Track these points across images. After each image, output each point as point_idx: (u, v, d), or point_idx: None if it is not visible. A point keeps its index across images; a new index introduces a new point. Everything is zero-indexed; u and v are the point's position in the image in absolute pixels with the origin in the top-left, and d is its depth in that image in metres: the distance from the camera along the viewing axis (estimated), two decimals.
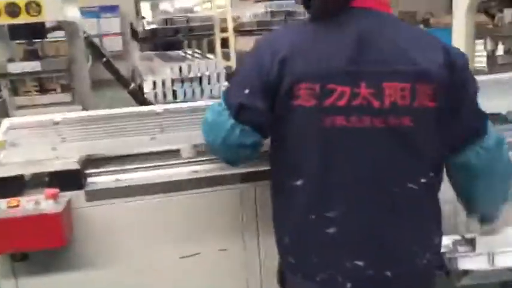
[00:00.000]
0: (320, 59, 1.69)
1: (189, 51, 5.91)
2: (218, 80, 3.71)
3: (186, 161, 2.44)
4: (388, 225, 1.71)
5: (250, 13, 4.19)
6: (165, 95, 3.65)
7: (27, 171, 2.22)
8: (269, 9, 4.02)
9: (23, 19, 2.24)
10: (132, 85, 3.15)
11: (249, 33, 4.42)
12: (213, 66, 3.70)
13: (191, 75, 3.64)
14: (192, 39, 4.42)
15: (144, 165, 2.40)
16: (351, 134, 1.67)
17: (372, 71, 1.64)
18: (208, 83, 3.68)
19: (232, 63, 4.10)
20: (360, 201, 1.70)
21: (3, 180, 2.18)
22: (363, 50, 1.66)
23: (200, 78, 3.67)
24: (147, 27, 3.73)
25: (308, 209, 1.75)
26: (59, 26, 2.76)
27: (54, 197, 2.14)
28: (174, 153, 2.47)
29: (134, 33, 3.81)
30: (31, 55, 2.54)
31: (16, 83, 2.54)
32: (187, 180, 2.33)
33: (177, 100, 3.64)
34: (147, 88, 3.47)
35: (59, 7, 2.27)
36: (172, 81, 3.64)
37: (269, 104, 1.75)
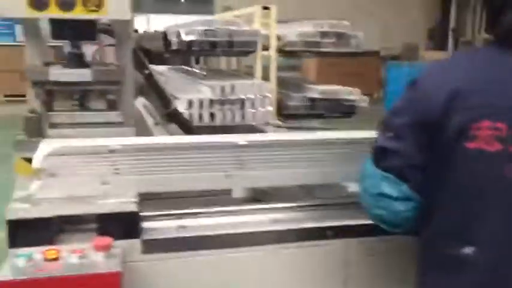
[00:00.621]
0: (509, 92, 1.29)
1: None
2: (263, 105, 3.24)
3: (266, 206, 1.94)
4: None
5: (297, 32, 3.77)
6: (200, 117, 3.16)
7: (69, 211, 1.68)
8: (319, 29, 3.62)
9: (78, 14, 1.73)
10: (174, 106, 2.64)
11: (292, 54, 3.99)
12: (258, 88, 3.24)
13: (233, 96, 3.17)
14: (231, 55, 3.94)
15: (214, 210, 1.89)
16: None
17: None
18: (251, 107, 3.21)
19: (272, 85, 3.61)
20: None
21: (38, 221, 1.64)
22: None
23: (242, 101, 3.20)
24: (185, 38, 3.24)
25: None
26: (105, 28, 2.25)
27: (106, 248, 1.61)
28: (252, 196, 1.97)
29: (167, 45, 3.33)
30: (77, 60, 1.99)
31: (53, 95, 1.99)
32: (270, 232, 1.83)
33: (215, 123, 3.16)
34: (181, 108, 2.97)
35: (125, 2, 1.76)
36: (211, 101, 3.16)
37: (423, 147, 1.40)
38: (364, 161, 1.52)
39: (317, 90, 3.57)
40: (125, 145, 1.74)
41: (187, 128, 2.74)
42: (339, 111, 3.76)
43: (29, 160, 1.78)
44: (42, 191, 1.71)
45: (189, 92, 3.41)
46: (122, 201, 1.72)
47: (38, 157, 1.69)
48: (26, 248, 1.60)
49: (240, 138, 1.83)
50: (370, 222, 1.92)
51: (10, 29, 12.35)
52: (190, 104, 3.29)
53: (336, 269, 1.88)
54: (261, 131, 2.73)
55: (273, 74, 3.71)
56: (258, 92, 3.34)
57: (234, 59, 4.92)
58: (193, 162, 1.82)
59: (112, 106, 2.03)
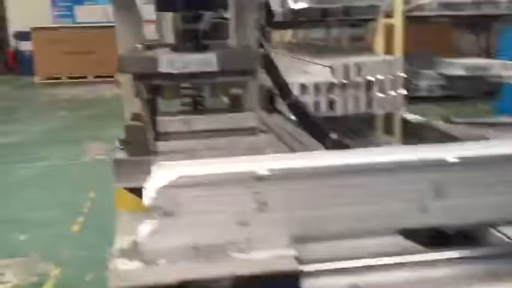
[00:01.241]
0: None
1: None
2: (394, 88, 2.61)
3: (471, 250, 1.33)
4: None
5: None
6: (316, 105, 2.57)
7: (197, 271, 1.14)
8: None
9: None
10: (294, 95, 2.04)
11: (422, 20, 3.29)
12: (388, 66, 2.61)
13: (359, 78, 2.56)
14: (347, 24, 3.30)
15: (394, 258, 1.31)
16: None
17: None
18: (381, 91, 2.58)
19: (398, 65, 2.92)
20: None
21: None
22: None
23: (369, 83, 2.58)
24: (294, 6, 2.66)
25: None
26: None
27: None
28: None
29: (269, 16, 2.74)
30: (192, 41, 1.42)
31: (160, 92, 1.43)
32: None
33: (336, 113, 2.54)
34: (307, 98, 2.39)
35: None
36: (330, 85, 2.56)
37: None
38: None
39: (460, 66, 2.87)
40: (277, 169, 1.17)
41: (312, 124, 2.15)
42: (482, 91, 3.06)
43: (134, 190, 1.26)
44: (156, 238, 1.18)
45: (300, 74, 2.82)
46: (275, 254, 1.17)
47: (150, 189, 1.16)
48: None
49: (447, 152, 1.22)
50: None
51: (69, 11, 12.31)
52: (303, 89, 2.71)
53: None
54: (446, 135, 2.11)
55: (399, 47, 3.04)
56: (389, 71, 2.71)
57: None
58: (371, 192, 1.24)
59: (235, 105, 1.47)
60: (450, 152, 1.23)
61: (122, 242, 1.20)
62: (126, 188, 1.32)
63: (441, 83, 2.99)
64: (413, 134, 2.80)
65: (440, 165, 1.23)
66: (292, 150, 2.01)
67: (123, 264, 1.12)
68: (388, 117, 2.84)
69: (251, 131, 1.44)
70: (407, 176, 1.24)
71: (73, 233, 4.13)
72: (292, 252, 1.18)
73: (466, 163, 1.22)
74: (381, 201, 1.25)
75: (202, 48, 1.40)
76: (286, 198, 1.20)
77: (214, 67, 1.33)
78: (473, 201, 1.27)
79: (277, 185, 1.19)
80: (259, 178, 1.16)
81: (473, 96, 3.05)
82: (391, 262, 1.33)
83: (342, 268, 1.30)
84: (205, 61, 1.33)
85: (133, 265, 1.13)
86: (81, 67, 11.51)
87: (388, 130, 2.88)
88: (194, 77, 1.36)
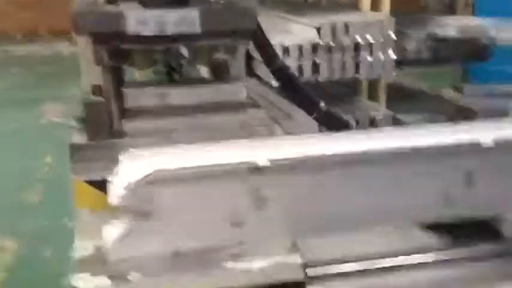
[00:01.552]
0: None
1: None
2: (383, 51, 2.39)
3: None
4: None
5: None
6: (300, 69, 2.34)
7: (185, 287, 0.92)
8: None
9: None
10: (280, 61, 1.78)
11: None
12: (379, 27, 2.37)
13: (346, 40, 2.31)
14: None
15: (408, 259, 1.11)
16: None
17: None
18: (370, 54, 2.36)
19: (389, 25, 2.60)
20: None
21: None
22: None
23: (356, 46, 2.35)
24: None
25: None
26: None
27: None
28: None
29: None
30: None
31: (128, 59, 1.14)
32: None
33: (320, 77, 2.31)
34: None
35: None
36: (315, 47, 2.32)
37: None
38: None
39: (453, 27, 2.64)
40: (279, 159, 0.94)
41: (300, 93, 1.90)
42: (472, 54, 2.88)
43: (95, 183, 1.01)
44: (127, 244, 0.95)
45: (281, 34, 2.55)
46: (277, 262, 0.95)
47: (118, 184, 0.92)
48: None
49: (482, 132, 1.02)
50: None
51: None
52: (285, 51, 2.46)
53: None
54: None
55: (387, 5, 2.78)
56: (379, 32, 2.46)
57: None
58: (387, 182, 1.03)
59: (219, 74, 1.20)
60: (481, 134, 1.03)
61: (83, 249, 0.96)
62: (86, 181, 1.07)
63: (431, 44, 2.80)
64: (407, 102, 2.62)
65: (470, 149, 1.03)
66: (280, 125, 1.78)
67: (85, 281, 0.89)
68: (376, 83, 2.64)
69: (240, 106, 1.18)
70: (430, 162, 1.04)
71: (30, 202, 3.89)
72: (297, 258, 0.97)
73: (499, 147, 1.02)
74: (400, 192, 1.05)
75: (180, 3, 1.12)
76: (290, 193, 0.98)
77: (197, 27, 1.06)
78: (506, 190, 1.08)
79: (279, 178, 0.96)
80: (257, 169, 0.94)
81: (465, 59, 2.88)
82: (406, 263, 1.14)
83: (352, 272, 1.10)
84: (186, 20, 1.06)
85: (99, 281, 0.90)
86: (32, 20, 10.79)
87: (375, 96, 2.69)
88: (171, 39, 1.09)
